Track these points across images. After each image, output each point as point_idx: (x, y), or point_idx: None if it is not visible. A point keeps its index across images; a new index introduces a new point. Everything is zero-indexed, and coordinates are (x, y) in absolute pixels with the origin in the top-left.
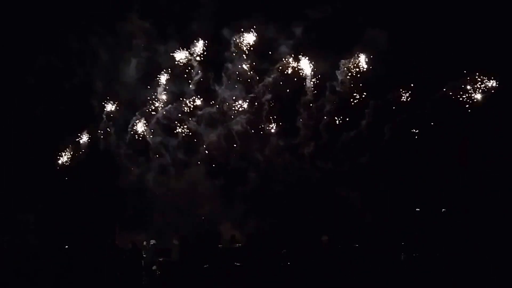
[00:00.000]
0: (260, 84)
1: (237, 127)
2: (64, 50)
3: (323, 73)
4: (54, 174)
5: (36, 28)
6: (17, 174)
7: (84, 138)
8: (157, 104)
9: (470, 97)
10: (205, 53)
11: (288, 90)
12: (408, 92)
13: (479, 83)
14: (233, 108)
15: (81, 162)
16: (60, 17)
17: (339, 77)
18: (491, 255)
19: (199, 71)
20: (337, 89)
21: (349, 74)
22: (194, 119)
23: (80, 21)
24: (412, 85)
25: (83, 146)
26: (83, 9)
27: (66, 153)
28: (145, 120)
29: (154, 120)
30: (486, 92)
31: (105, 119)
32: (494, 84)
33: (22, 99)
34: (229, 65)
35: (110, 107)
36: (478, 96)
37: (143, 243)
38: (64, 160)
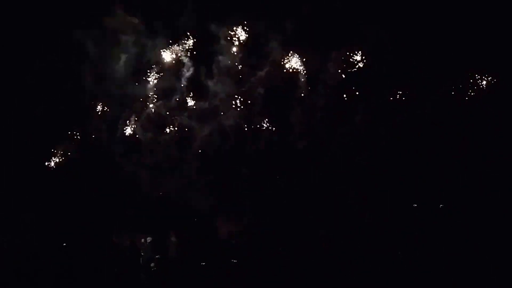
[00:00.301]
0: (252, 78)
1: (229, 122)
2: (55, 48)
3: (317, 67)
4: (52, 174)
5: (28, 26)
6: (17, 174)
7: (78, 137)
8: (147, 100)
9: (469, 96)
10: (195, 48)
11: (281, 84)
12: (406, 89)
13: (479, 82)
14: (225, 103)
15: (76, 161)
16: (52, 16)
17: (331, 71)
18: (491, 255)
19: (190, 66)
20: (330, 83)
21: (343, 68)
22: (185, 114)
23: (68, 17)
24: (407, 78)
25: (77, 145)
26: (71, 5)
27: (62, 152)
28: (136, 116)
29: (144, 116)
30: (485, 91)
31: (96, 117)
32: (493, 83)
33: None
34: (220, 60)
35: (100, 104)
36: (477, 95)
37: (141, 240)
38: (60, 160)
